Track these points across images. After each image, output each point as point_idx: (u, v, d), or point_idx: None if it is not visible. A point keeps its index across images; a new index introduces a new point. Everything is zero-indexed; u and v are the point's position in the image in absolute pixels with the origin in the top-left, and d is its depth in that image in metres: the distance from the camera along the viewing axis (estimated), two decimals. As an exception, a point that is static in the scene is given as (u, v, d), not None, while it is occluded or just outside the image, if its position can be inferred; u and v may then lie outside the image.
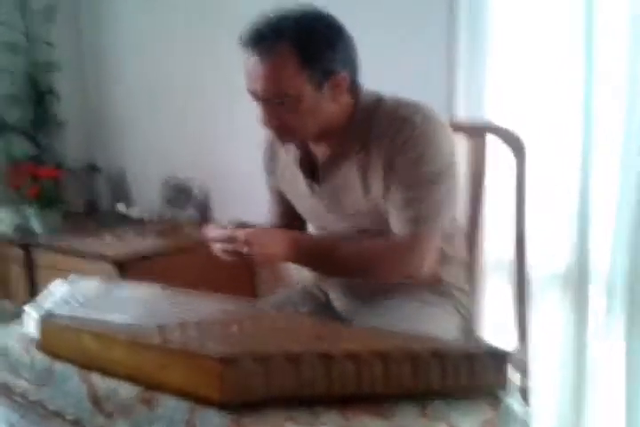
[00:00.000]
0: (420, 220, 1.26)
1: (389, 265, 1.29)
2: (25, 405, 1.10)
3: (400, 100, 1.31)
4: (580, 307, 1.67)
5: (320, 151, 1.36)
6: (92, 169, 2.87)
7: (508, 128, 1.49)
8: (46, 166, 2.56)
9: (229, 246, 1.22)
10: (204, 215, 2.63)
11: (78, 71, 2.95)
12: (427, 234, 1.27)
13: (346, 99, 1.29)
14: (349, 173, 1.32)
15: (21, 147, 2.82)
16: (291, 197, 1.49)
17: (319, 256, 1.30)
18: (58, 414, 1.04)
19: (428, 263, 1.28)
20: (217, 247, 1.24)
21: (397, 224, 1.28)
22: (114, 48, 2.84)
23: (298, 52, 1.19)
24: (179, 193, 2.66)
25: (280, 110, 1.23)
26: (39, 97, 2.88)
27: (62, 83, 2.93)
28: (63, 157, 2.95)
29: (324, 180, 1.36)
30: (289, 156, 1.44)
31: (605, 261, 1.62)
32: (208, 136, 2.59)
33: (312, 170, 1.38)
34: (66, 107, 2.95)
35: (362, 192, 1.32)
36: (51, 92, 2.92)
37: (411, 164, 1.24)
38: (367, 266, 1.30)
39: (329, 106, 1.26)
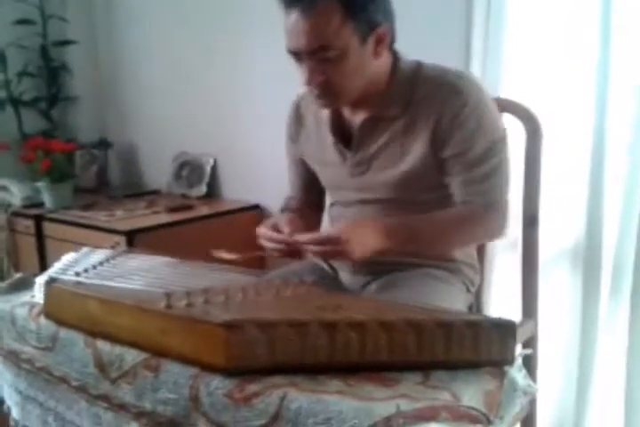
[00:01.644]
0: (494, 191, 1.29)
1: (476, 232, 1.32)
2: (32, 371, 1.11)
3: (440, 65, 1.31)
4: (588, 284, 1.67)
5: (356, 116, 1.35)
6: (104, 144, 2.87)
7: (524, 106, 1.48)
8: (58, 141, 2.56)
9: (327, 248, 1.16)
10: (214, 192, 2.63)
11: (91, 47, 2.94)
12: (503, 201, 1.31)
13: (386, 57, 1.29)
14: (387, 137, 1.31)
15: (34, 121, 2.84)
16: (315, 164, 1.47)
17: (409, 237, 1.26)
18: (63, 380, 1.05)
19: (507, 227, 1.33)
20: (312, 250, 1.18)
21: (470, 197, 1.29)
22: (126, 24, 2.83)
23: (341, 4, 1.17)
24: (189, 169, 2.66)
25: (325, 66, 1.21)
26: (52, 72, 2.88)
27: (75, 58, 2.94)
28: (75, 131, 2.96)
29: (359, 145, 1.34)
30: (318, 121, 1.42)
31: (613, 240, 1.61)
32: (220, 113, 2.58)
33: (343, 136, 1.37)
34: (78, 82, 2.96)
35: (398, 156, 1.31)
36: (64, 67, 2.92)
37: (467, 140, 1.25)
38: (461, 235, 1.31)
39: (372, 62, 1.25)
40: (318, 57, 1.20)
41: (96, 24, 2.94)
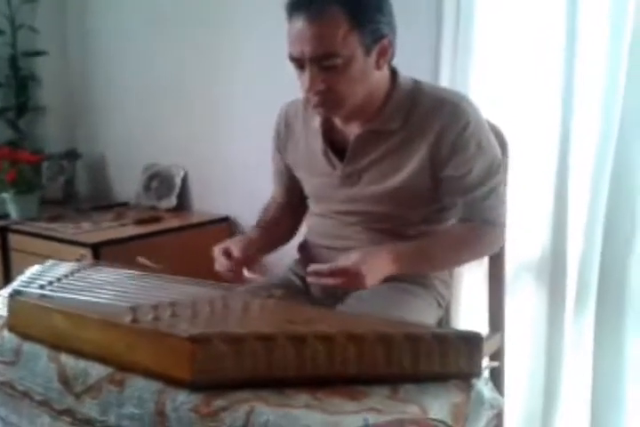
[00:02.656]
0: (494, 209, 1.33)
1: (478, 251, 1.37)
2: (-6, 385, 1.09)
3: (437, 85, 1.34)
4: (553, 297, 1.69)
5: (349, 127, 1.35)
6: (72, 155, 2.84)
7: (493, 124, 1.50)
8: (25, 151, 2.53)
9: (340, 281, 1.17)
10: (184, 204, 2.62)
11: (61, 57, 2.92)
12: (502, 218, 1.35)
13: (386, 71, 1.30)
14: (382, 152, 1.32)
15: (1, 131, 2.80)
16: (302, 174, 1.47)
17: (417, 261, 1.30)
18: (27, 395, 1.03)
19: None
20: (325, 282, 1.18)
21: (470, 215, 1.33)
22: (97, 34, 2.81)
23: (348, 13, 1.18)
24: (159, 181, 2.64)
25: (327, 74, 1.21)
26: (21, 82, 2.85)
27: (45, 68, 2.91)
28: (43, 142, 2.92)
29: (352, 157, 1.34)
30: (307, 130, 1.42)
31: (578, 253, 1.64)
32: (191, 124, 2.57)
33: (334, 146, 1.37)
34: (47, 92, 2.93)
35: (391, 171, 1.32)
36: (33, 77, 2.89)
37: (468, 161, 1.28)
38: (464, 254, 1.35)
39: (374, 74, 1.26)
40: (322, 64, 1.20)
41: (66, 34, 2.92)
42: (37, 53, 2.83)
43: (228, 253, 1.30)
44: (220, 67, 2.44)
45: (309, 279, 1.20)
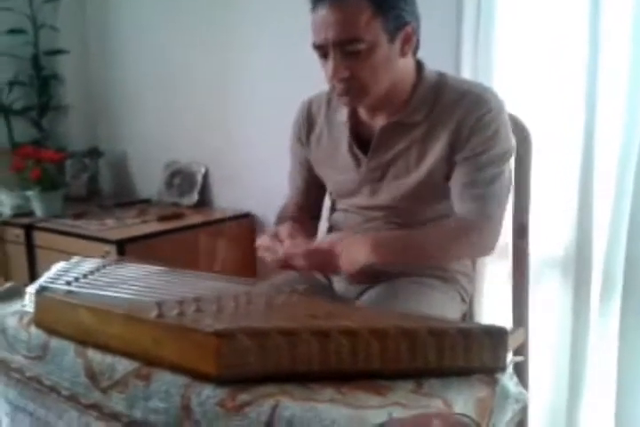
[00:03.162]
0: (490, 199, 1.27)
1: (468, 245, 1.30)
2: (22, 380, 1.10)
3: (463, 78, 1.32)
4: (578, 292, 1.68)
5: (375, 120, 1.34)
6: (95, 153, 2.87)
7: (514, 116, 1.49)
8: (49, 149, 2.56)
9: (315, 261, 1.18)
10: (205, 200, 2.63)
11: (82, 56, 2.95)
12: (498, 212, 1.30)
13: (411, 61, 1.29)
14: (406, 144, 1.31)
15: (24, 130, 2.83)
16: (325, 169, 1.46)
17: (399, 250, 1.27)
18: (54, 390, 1.04)
19: (497, 242, 1.31)
20: (299, 262, 1.20)
21: (467, 203, 1.28)
22: (118, 33, 2.84)
23: (371, 1, 1.17)
24: (181, 178, 2.65)
25: (351, 61, 1.20)
26: (43, 81, 2.88)
27: (66, 67, 2.94)
28: (66, 140, 2.95)
29: (376, 150, 1.34)
30: (330, 125, 1.41)
31: (603, 248, 1.63)
32: (211, 121, 2.58)
33: (359, 141, 1.36)
34: (69, 91, 2.96)
35: (415, 163, 1.31)
36: (55, 76, 2.92)
37: (484, 143, 1.26)
38: (448, 248, 1.30)
39: (398, 61, 1.25)
40: (346, 50, 1.19)
41: (87, 33, 2.95)
42: (59, 52, 2.86)
43: (276, 240, 1.26)
44: (238, 65, 2.45)
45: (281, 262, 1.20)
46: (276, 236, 1.26)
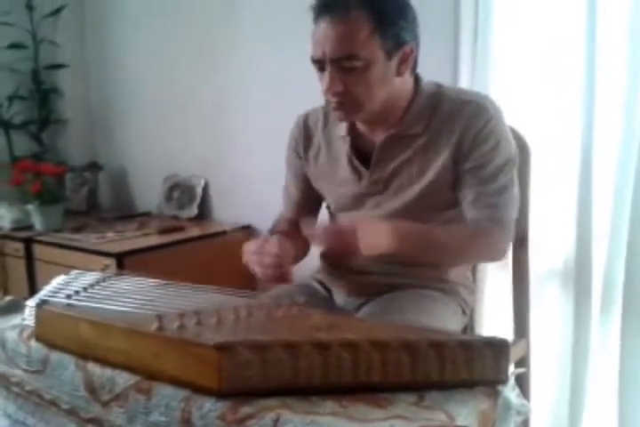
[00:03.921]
0: (505, 207, 1.29)
1: (483, 248, 1.31)
2: (22, 394, 1.10)
3: (460, 88, 1.33)
4: (579, 303, 1.68)
5: (374, 134, 1.35)
6: (95, 167, 2.87)
7: (512, 127, 1.49)
8: (48, 163, 2.56)
9: (337, 240, 1.16)
10: (205, 213, 2.63)
11: (82, 70, 2.97)
12: (511, 219, 1.30)
13: (409, 78, 1.30)
14: (408, 155, 1.31)
15: (24, 144, 2.84)
16: (323, 183, 1.46)
17: (419, 242, 1.26)
18: (54, 404, 1.04)
19: (509, 248, 1.33)
20: (322, 240, 1.19)
21: (479, 211, 1.28)
22: (117, 48, 2.85)
23: (371, 16, 1.18)
24: (180, 191, 2.66)
25: (347, 76, 1.21)
26: (43, 95, 2.90)
27: (66, 81, 2.95)
28: (66, 154, 2.96)
29: (378, 164, 1.34)
30: (329, 138, 1.41)
31: (603, 259, 1.63)
32: (210, 135, 2.59)
33: (359, 154, 1.37)
34: (69, 105, 2.97)
35: (417, 174, 1.31)
36: (55, 90, 2.94)
37: (489, 153, 1.26)
38: (466, 249, 1.30)
39: (394, 79, 1.25)
40: (342, 66, 1.20)
41: (87, 48, 2.96)
42: (58, 66, 2.87)
43: (262, 249, 1.23)
44: (237, 79, 2.46)
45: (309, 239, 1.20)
46: (262, 246, 1.23)
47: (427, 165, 1.30)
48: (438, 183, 1.30)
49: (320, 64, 1.23)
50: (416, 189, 1.31)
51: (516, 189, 1.32)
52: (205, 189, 2.62)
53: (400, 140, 1.31)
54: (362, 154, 1.36)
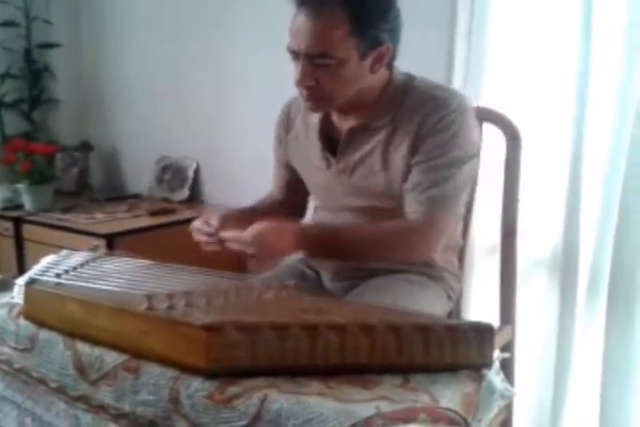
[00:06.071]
0: (438, 202, 1.26)
1: (403, 247, 1.30)
2: (10, 372, 1.10)
3: (433, 82, 1.32)
4: (565, 291, 1.70)
5: (344, 123, 1.35)
6: (86, 147, 2.86)
7: (504, 115, 1.50)
8: (39, 143, 2.55)
9: (235, 246, 1.23)
10: (196, 195, 2.63)
11: (75, 50, 2.94)
12: (444, 216, 1.28)
13: (383, 72, 1.29)
14: (371, 147, 1.32)
15: (15, 123, 2.82)
16: (301, 170, 1.48)
17: (329, 243, 1.28)
18: (42, 382, 1.05)
19: (439, 246, 1.30)
20: (231, 246, 1.25)
21: (414, 204, 1.27)
22: (111, 27, 2.83)
23: (349, 16, 1.18)
24: (172, 173, 2.65)
25: (319, 72, 1.22)
26: (35, 74, 2.87)
27: (59, 61, 2.92)
28: (57, 134, 2.94)
29: (344, 152, 1.35)
30: (306, 126, 1.43)
31: (590, 247, 1.64)
32: (203, 116, 2.58)
33: (329, 143, 1.37)
34: (61, 84, 2.94)
35: (380, 167, 1.32)
36: (47, 69, 2.91)
37: (440, 145, 1.25)
38: (380, 249, 1.29)
39: (367, 77, 1.26)
40: (315, 62, 1.21)
41: (80, 27, 2.93)
42: (51, 45, 2.84)
43: (207, 224, 1.32)
44: (230, 60, 2.45)
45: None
46: (207, 220, 1.31)
47: (389, 156, 1.30)
48: (403, 172, 1.30)
49: (295, 55, 1.24)
50: (380, 179, 1.32)
51: (461, 185, 1.29)
52: (197, 171, 2.61)
53: (366, 129, 1.32)
54: (333, 142, 1.37)
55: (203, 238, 1.30)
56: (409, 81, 1.32)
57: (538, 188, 1.70)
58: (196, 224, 1.32)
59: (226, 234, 1.25)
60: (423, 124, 1.26)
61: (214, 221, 1.29)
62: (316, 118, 1.39)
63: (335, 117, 1.38)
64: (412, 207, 1.28)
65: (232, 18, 2.40)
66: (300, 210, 1.55)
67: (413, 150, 1.27)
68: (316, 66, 1.21)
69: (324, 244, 1.27)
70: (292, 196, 1.53)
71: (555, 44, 1.66)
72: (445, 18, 1.81)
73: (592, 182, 1.63)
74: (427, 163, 1.26)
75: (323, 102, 1.28)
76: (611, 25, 1.56)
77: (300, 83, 1.24)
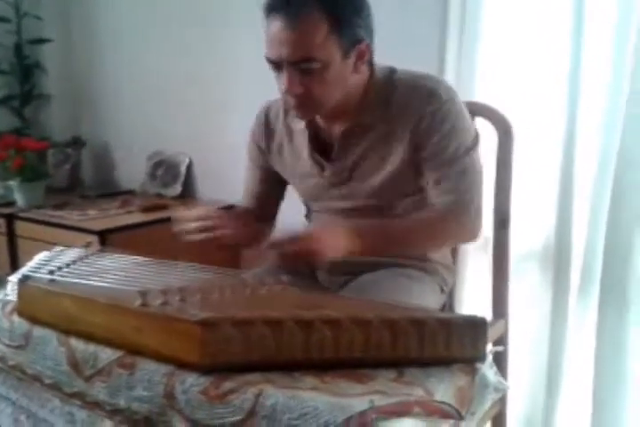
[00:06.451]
0: (467, 190, 1.28)
1: (448, 234, 1.31)
2: (4, 369, 1.10)
3: (415, 72, 1.32)
4: (557, 284, 1.70)
5: (333, 126, 1.35)
6: (78, 143, 2.85)
7: (496, 109, 1.50)
8: (31, 139, 2.54)
9: (299, 247, 1.14)
10: (189, 191, 2.63)
11: (66, 45, 2.93)
12: (476, 201, 1.30)
13: (364, 70, 1.29)
14: (367, 145, 1.32)
15: (6, 119, 2.81)
16: (288, 176, 1.47)
17: (379, 240, 1.27)
18: (36, 378, 1.04)
19: (483, 223, 1.32)
20: (284, 249, 1.18)
21: (442, 196, 1.28)
22: (102, 22, 2.81)
23: (326, 16, 1.17)
24: (164, 169, 2.64)
25: (305, 77, 1.20)
26: (26, 70, 2.86)
27: (50, 56, 2.92)
28: (48, 130, 2.93)
29: (339, 155, 1.35)
30: (289, 132, 1.42)
31: (582, 240, 1.65)
32: (195, 112, 2.57)
33: (319, 147, 1.37)
34: (52, 80, 2.94)
35: (379, 162, 1.32)
36: (38, 65, 2.90)
37: (445, 137, 1.26)
38: (433, 236, 1.31)
39: (351, 76, 1.25)
40: (299, 68, 1.19)
41: (71, 22, 2.92)
42: (42, 41, 2.83)
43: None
44: (224, 55, 2.44)
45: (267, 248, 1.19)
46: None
47: (388, 154, 1.31)
48: (401, 170, 1.30)
49: (275, 64, 1.22)
50: (380, 176, 1.32)
51: (479, 172, 1.32)
52: (190, 167, 2.60)
53: (358, 130, 1.32)
54: (322, 146, 1.37)
55: (195, 225, 1.26)
56: (390, 74, 1.32)
57: (530, 181, 1.71)
58: (193, 213, 1.30)
59: (276, 236, 1.21)
60: (419, 120, 1.26)
61: (216, 213, 1.27)
62: (301, 124, 1.38)
63: (322, 122, 1.37)
64: (440, 199, 1.29)
65: (224, 14, 2.39)
66: (269, 217, 1.52)
67: (417, 147, 1.28)
68: (302, 72, 1.20)
69: (377, 241, 1.26)
70: (263, 201, 1.51)
71: (547, 38, 1.67)
72: (437, 12, 1.81)
73: (584, 174, 1.64)
74: (439, 157, 1.27)
75: (312, 109, 1.27)
76: (601, 20, 1.56)
77: (289, 91, 1.22)
